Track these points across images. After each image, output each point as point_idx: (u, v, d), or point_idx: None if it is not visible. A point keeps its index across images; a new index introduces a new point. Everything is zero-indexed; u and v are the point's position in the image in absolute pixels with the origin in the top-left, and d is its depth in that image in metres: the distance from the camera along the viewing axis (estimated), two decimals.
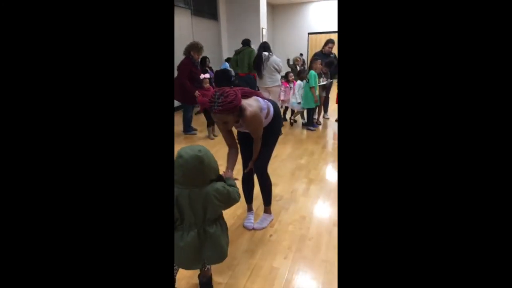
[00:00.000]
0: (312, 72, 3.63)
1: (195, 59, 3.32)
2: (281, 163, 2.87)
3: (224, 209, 1.19)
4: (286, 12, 9.14)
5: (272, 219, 1.93)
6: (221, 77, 4.82)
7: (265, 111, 1.57)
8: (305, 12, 8.98)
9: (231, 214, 1.99)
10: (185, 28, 5.22)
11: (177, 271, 1.28)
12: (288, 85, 4.04)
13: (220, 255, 1.19)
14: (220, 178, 1.16)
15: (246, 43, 4.11)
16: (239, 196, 1.23)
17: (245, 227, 1.86)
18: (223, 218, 1.22)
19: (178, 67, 3.31)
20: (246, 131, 1.63)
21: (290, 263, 1.54)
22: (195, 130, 3.86)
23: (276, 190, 2.29)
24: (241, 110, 1.44)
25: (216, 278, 1.44)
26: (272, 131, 1.68)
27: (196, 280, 1.36)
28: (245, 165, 1.77)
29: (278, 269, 1.51)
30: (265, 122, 1.61)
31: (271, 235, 1.78)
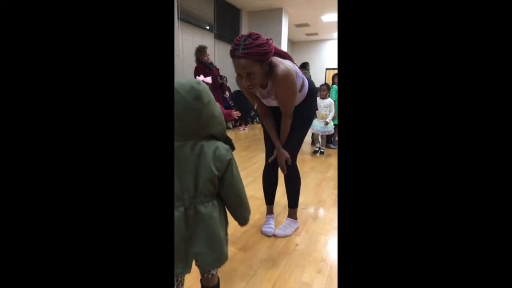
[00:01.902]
0: (335, 86, 3.50)
1: (205, 60, 3.42)
2: (304, 174, 2.50)
3: (223, 195, 0.78)
4: (305, 49, 9.41)
5: (298, 227, 1.53)
6: (241, 96, 4.76)
7: (299, 82, 1.27)
8: (322, 49, 9.23)
9: None
10: (208, 51, 5.29)
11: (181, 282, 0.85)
12: None
13: (217, 252, 0.74)
14: (228, 141, 0.79)
15: (304, 66, 4.20)
16: (249, 212, 0.85)
17: (263, 233, 1.46)
18: (221, 201, 0.79)
19: (194, 75, 3.45)
20: (273, 105, 1.33)
21: (326, 279, 1.12)
22: None
23: (300, 200, 1.91)
24: (271, 66, 1.15)
25: None
26: (305, 111, 1.37)
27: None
28: (268, 154, 1.44)
29: (310, 285, 1.09)
30: (298, 98, 1.32)
31: (297, 245, 1.37)
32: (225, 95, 3.38)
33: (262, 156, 1.51)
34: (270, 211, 1.56)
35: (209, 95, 0.72)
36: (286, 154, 1.33)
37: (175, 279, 0.81)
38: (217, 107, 0.75)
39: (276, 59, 1.16)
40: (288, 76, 1.15)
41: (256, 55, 1.04)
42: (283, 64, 1.15)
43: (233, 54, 1.06)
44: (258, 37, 1.06)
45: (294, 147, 1.38)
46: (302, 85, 1.30)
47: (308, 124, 1.43)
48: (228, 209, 0.81)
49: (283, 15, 6.25)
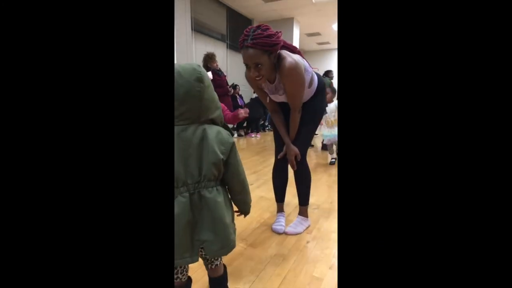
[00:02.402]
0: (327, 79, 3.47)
1: (214, 67, 3.48)
2: (314, 175, 2.46)
3: (228, 180, 0.77)
4: (317, 57, 9.47)
5: (309, 225, 1.50)
6: (256, 104, 4.83)
7: (308, 76, 1.27)
8: (334, 57, 9.26)
9: (256, 218, 1.60)
10: (221, 60, 5.41)
11: (184, 274, 0.82)
12: None
13: (223, 239, 0.73)
14: (226, 127, 0.79)
15: (327, 74, 4.29)
16: (250, 200, 0.86)
17: (274, 231, 1.44)
18: (225, 188, 0.78)
19: None
20: (282, 100, 1.33)
21: None
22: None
23: (311, 200, 1.88)
24: (279, 59, 1.16)
25: (234, 282, 1.02)
26: (314, 106, 1.36)
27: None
28: (278, 151, 1.43)
29: (322, 280, 1.06)
30: (307, 93, 1.31)
31: (308, 242, 1.34)
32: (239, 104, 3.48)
33: (273, 159, 1.50)
34: (280, 209, 1.54)
35: (209, 79, 0.73)
36: (296, 149, 1.32)
37: (179, 269, 0.80)
38: (215, 93, 0.76)
39: (285, 52, 1.17)
40: (295, 69, 1.15)
41: (264, 46, 1.05)
42: (291, 57, 1.15)
43: (242, 44, 1.08)
44: (267, 28, 1.08)
45: (303, 142, 1.37)
46: (311, 80, 1.30)
47: (317, 120, 1.42)
48: (232, 196, 0.80)
49: (294, 25, 6.35)
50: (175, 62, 3.05)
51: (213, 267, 0.83)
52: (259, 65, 1.09)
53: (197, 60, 4.65)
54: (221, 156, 0.71)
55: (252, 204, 1.36)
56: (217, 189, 0.73)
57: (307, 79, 1.25)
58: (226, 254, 0.76)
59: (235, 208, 0.85)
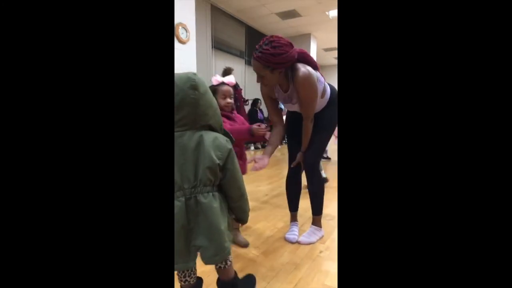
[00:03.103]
0: None
1: None
2: (332, 189, 2.44)
3: (227, 187, 0.77)
4: (334, 71, 9.48)
5: (323, 235, 1.49)
6: None
7: (321, 86, 1.32)
8: None
9: (269, 227, 1.61)
10: (239, 75, 5.59)
11: (192, 276, 0.83)
12: None
13: (217, 245, 0.72)
14: (227, 134, 0.80)
15: None
16: (249, 208, 0.85)
17: (286, 240, 1.44)
18: (222, 195, 0.78)
19: None
20: (294, 109, 1.37)
21: None
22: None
23: (326, 211, 1.87)
24: (293, 70, 1.22)
25: None
26: (327, 117, 1.38)
27: None
28: (291, 160, 1.46)
29: None
30: (320, 104, 1.35)
31: (321, 251, 1.34)
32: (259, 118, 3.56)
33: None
34: (294, 219, 1.55)
35: (205, 86, 0.75)
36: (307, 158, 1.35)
37: (186, 272, 0.81)
38: (214, 100, 0.78)
39: (299, 64, 1.22)
40: (308, 79, 1.20)
41: (266, 62, 1.13)
42: (305, 68, 1.20)
43: (253, 52, 1.18)
44: (278, 45, 1.12)
45: (316, 152, 1.39)
46: (324, 90, 1.34)
47: (331, 130, 1.44)
48: (230, 203, 0.80)
49: (311, 41, 6.47)
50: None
51: (221, 267, 0.84)
52: (261, 77, 1.19)
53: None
54: (217, 161, 0.72)
55: (267, 213, 1.39)
56: (213, 195, 0.73)
57: (320, 88, 1.29)
58: (220, 261, 0.77)
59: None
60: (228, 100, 1.26)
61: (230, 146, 0.77)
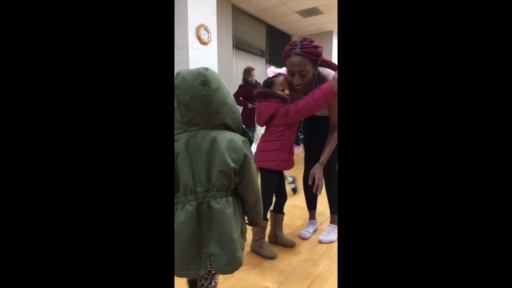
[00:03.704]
0: None
1: (250, 80, 3.63)
2: None
3: (242, 188, 0.72)
4: None
5: None
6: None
7: None
8: None
9: (288, 225, 1.63)
10: (260, 74, 5.62)
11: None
12: None
13: (229, 255, 0.67)
14: (246, 134, 0.74)
15: None
16: (262, 216, 0.81)
17: (300, 236, 1.46)
18: (238, 200, 0.73)
19: (237, 93, 3.62)
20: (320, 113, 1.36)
21: None
22: None
23: None
24: (320, 76, 1.24)
25: (263, 281, 1.07)
26: None
27: None
28: (309, 159, 1.46)
29: None
30: None
31: None
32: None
33: None
34: (312, 217, 1.56)
35: (218, 81, 0.68)
36: (315, 171, 1.29)
37: (200, 279, 0.76)
38: (230, 95, 0.71)
39: (326, 70, 1.25)
40: (315, 107, 1.18)
41: (312, 55, 1.16)
42: (324, 94, 1.16)
43: (288, 53, 1.18)
44: (312, 40, 1.19)
45: (334, 153, 1.39)
46: None
47: None
48: (245, 207, 0.76)
49: (333, 38, 6.35)
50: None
51: (203, 284, 0.76)
52: (304, 72, 1.18)
53: (238, 76, 4.90)
54: (232, 165, 0.66)
55: (286, 211, 1.40)
56: (226, 200, 0.68)
57: None
58: (231, 272, 0.70)
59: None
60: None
61: (247, 148, 0.70)
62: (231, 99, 0.71)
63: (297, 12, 5.18)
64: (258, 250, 1.27)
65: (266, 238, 1.40)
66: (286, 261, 1.23)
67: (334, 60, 5.52)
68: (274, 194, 1.33)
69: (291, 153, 1.30)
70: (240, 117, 0.74)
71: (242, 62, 5.20)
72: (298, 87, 1.22)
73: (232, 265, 0.69)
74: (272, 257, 1.24)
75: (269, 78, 1.28)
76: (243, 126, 0.77)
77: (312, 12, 5.16)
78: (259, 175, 0.90)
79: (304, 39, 1.20)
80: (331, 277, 1.10)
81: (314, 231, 1.52)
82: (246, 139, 0.72)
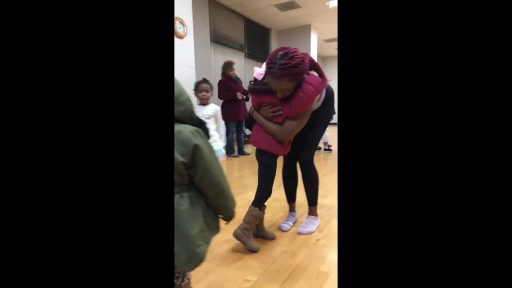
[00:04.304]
0: None
1: (231, 75, 3.58)
2: (332, 180, 2.47)
3: (203, 187, 0.70)
4: (334, 63, 9.41)
5: (320, 224, 1.52)
6: None
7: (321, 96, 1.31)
8: None
9: (268, 218, 1.64)
10: (239, 69, 5.58)
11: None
12: None
13: (188, 252, 0.66)
14: (202, 125, 0.70)
15: None
16: (233, 203, 0.77)
17: (280, 229, 1.48)
18: (196, 195, 0.70)
19: (219, 89, 3.57)
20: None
21: None
22: (239, 152, 3.73)
23: (324, 201, 1.90)
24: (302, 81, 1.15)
25: (243, 275, 1.08)
26: (322, 114, 1.36)
27: None
28: (288, 155, 1.46)
29: (329, 274, 1.08)
30: (315, 105, 1.34)
31: (318, 240, 1.37)
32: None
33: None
34: (292, 209, 1.59)
35: None
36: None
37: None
38: (180, 87, 0.66)
39: (311, 78, 1.17)
40: (311, 99, 1.17)
41: (291, 75, 1.08)
42: (313, 86, 1.15)
43: (268, 71, 1.11)
44: (294, 55, 1.08)
45: (311, 146, 1.42)
46: (320, 96, 1.32)
47: (325, 126, 1.45)
48: (209, 201, 0.73)
49: (311, 32, 6.40)
50: (195, 73, 3.17)
51: (176, 283, 0.76)
52: (285, 90, 1.13)
53: (216, 70, 4.84)
54: (180, 159, 0.64)
55: (266, 204, 1.40)
56: (181, 196, 0.66)
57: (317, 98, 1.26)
58: (192, 269, 0.70)
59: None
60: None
61: (197, 139, 0.66)
62: (179, 90, 0.66)
63: (275, 5, 5.16)
64: (243, 239, 1.25)
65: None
66: (266, 253, 1.24)
67: (313, 54, 5.54)
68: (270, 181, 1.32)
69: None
70: (192, 108, 0.69)
71: (221, 56, 5.13)
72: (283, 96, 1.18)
73: (193, 262, 0.67)
74: (255, 250, 1.25)
75: (257, 80, 1.26)
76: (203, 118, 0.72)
77: (289, 5, 5.17)
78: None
79: (286, 53, 1.08)
80: (309, 267, 1.13)
81: (294, 223, 1.55)
82: (198, 129, 0.68)
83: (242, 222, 1.29)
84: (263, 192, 1.31)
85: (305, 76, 1.17)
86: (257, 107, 1.30)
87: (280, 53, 1.09)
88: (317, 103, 1.32)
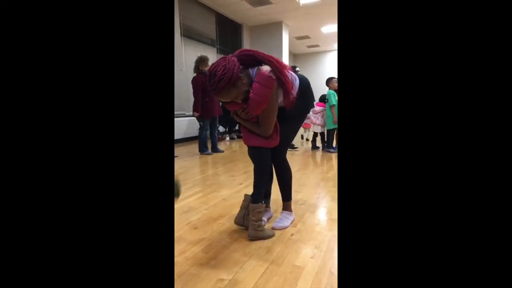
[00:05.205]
0: (330, 90, 3.51)
1: (205, 71, 3.43)
2: (304, 175, 2.51)
3: None
4: (307, 60, 9.59)
5: (294, 219, 1.54)
6: None
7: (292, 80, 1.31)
8: (324, 60, 9.40)
9: None
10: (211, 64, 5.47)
11: None
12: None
13: None
14: None
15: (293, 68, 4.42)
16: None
17: None
18: None
19: (192, 84, 3.42)
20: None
21: (319, 263, 1.12)
22: (213, 150, 3.67)
23: (298, 196, 1.93)
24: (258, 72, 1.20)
25: (218, 274, 1.06)
26: (297, 107, 1.35)
27: None
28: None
29: (303, 268, 1.09)
30: (293, 94, 1.34)
31: (292, 234, 1.38)
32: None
33: None
34: (266, 205, 1.58)
35: None
36: None
37: None
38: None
39: (265, 68, 1.20)
40: (261, 98, 1.20)
41: (225, 87, 1.15)
42: (259, 84, 1.19)
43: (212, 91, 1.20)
44: (215, 71, 1.14)
45: (283, 140, 1.41)
46: (292, 83, 1.32)
47: (300, 120, 1.46)
48: None
49: (283, 29, 6.44)
50: None
51: None
52: (234, 99, 1.22)
53: (187, 66, 4.70)
54: None
55: (241, 201, 1.38)
56: None
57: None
58: None
59: None
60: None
61: None
62: None
63: (246, 1, 5.12)
64: (260, 235, 1.33)
65: (234, 220, 1.46)
66: (241, 250, 1.23)
67: (284, 51, 5.54)
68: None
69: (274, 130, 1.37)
70: None
71: (192, 51, 5.00)
72: (244, 106, 1.27)
73: None
74: (273, 235, 1.36)
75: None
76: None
77: (261, 1, 5.16)
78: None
79: (211, 73, 1.16)
80: (284, 262, 1.14)
81: (269, 219, 1.55)
82: None
83: (242, 222, 1.38)
84: (261, 186, 1.41)
85: (252, 72, 1.23)
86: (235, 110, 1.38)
87: (209, 75, 1.19)
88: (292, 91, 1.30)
